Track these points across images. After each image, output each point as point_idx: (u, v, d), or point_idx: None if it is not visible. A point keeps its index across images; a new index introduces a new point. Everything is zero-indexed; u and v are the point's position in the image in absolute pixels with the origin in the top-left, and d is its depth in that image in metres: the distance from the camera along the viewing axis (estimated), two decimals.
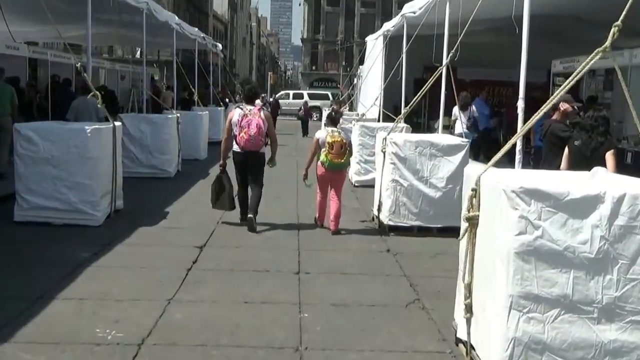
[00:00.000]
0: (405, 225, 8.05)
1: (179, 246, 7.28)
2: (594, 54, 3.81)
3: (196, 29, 21.74)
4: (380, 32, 18.38)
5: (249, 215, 8.18)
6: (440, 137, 8.37)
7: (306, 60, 76.27)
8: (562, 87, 3.85)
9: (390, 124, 12.46)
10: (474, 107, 14.22)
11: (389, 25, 16.63)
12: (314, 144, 8.27)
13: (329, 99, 39.48)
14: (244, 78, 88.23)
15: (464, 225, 4.03)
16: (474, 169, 4.17)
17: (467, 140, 8.34)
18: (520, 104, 6.63)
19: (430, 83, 8.17)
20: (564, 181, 3.70)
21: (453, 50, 8.36)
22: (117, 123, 8.93)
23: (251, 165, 8.27)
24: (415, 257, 7.17)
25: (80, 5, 9.45)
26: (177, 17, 16.55)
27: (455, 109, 13.20)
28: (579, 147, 6.24)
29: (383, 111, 13.88)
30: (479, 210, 3.87)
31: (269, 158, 8.50)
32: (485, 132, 16.72)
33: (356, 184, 12.28)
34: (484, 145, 16.28)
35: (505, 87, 22.86)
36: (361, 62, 28.16)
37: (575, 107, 7.39)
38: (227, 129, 8.25)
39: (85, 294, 5.43)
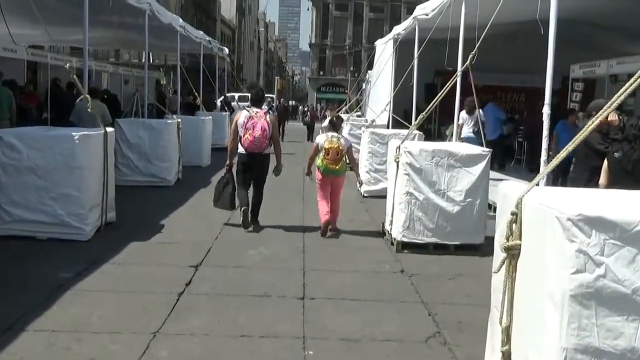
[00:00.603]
0: (420, 242, 7.37)
1: (172, 265, 6.61)
2: None
3: (201, 32, 21.21)
4: (390, 35, 17.83)
5: (244, 208, 8.36)
6: (458, 146, 7.69)
7: (314, 65, 75.72)
8: (623, 90, 3.13)
9: (401, 131, 11.86)
10: (481, 112, 13.87)
11: (399, 29, 16.05)
12: (314, 148, 8.46)
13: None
14: (251, 83, 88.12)
15: (500, 255, 3.35)
16: (512, 187, 3.49)
17: (488, 150, 7.64)
18: (546, 110, 6.06)
19: (447, 89, 7.48)
20: (630, 206, 3.01)
21: (472, 54, 7.67)
22: (110, 129, 8.28)
23: (255, 167, 8.37)
24: (432, 279, 6.47)
25: (81, 8, 8.82)
26: (181, 20, 15.98)
27: (463, 114, 13.00)
28: (619, 159, 5.53)
29: (393, 116, 13.17)
30: (520, 239, 3.19)
31: (274, 167, 8.51)
32: (500, 139, 16.08)
33: (365, 194, 11.61)
34: (499, 152, 15.61)
35: (518, 93, 22.20)
36: (370, 66, 27.62)
37: (622, 119, 6.66)
38: (234, 130, 8.34)
39: (60, 325, 4.78)
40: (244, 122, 8.09)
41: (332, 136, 8.26)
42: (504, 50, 15.62)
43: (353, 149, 8.86)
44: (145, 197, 10.63)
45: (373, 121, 13.18)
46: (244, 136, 8.09)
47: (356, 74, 65.73)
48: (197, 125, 15.67)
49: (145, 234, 7.85)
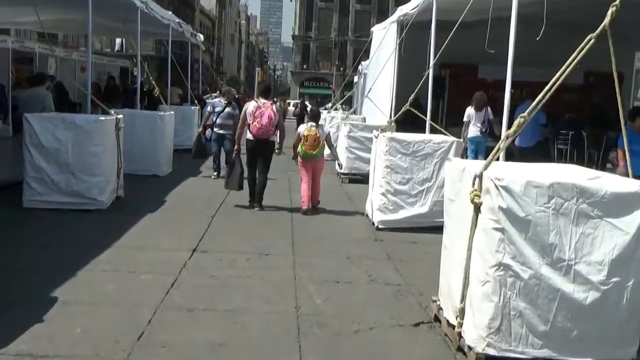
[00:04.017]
0: (519, 358, 3.93)
1: None
2: None
3: (170, 12, 17.71)
4: (393, 17, 14.56)
5: (250, 199, 9.39)
6: (601, 179, 4.15)
7: (297, 58, 71.99)
8: None
9: (436, 137, 8.48)
10: (489, 110, 12.13)
11: (407, 9, 12.76)
12: (296, 137, 9.38)
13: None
14: (231, 76, 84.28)
15: None
16: None
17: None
18: None
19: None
20: None
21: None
22: None
23: (261, 151, 9.18)
24: None
25: None
26: None
27: (469, 110, 11.96)
28: None
29: (410, 109, 9.54)
30: None
31: (276, 148, 9.42)
32: (538, 146, 12.80)
33: (380, 226, 8.20)
34: (536, 161, 12.28)
35: (534, 89, 19.02)
36: (364, 57, 24.37)
37: None
38: (243, 118, 9.15)
39: None
40: (252, 111, 8.92)
41: (311, 125, 9.34)
42: (517, 40, 12.58)
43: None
44: (58, 231, 7.15)
45: (391, 122, 9.70)
46: (252, 123, 8.88)
47: (341, 69, 62.46)
48: (153, 123, 12.15)
49: (23, 316, 4.37)
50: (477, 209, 4.02)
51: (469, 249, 4.11)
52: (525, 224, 3.82)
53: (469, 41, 8.82)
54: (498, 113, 17.18)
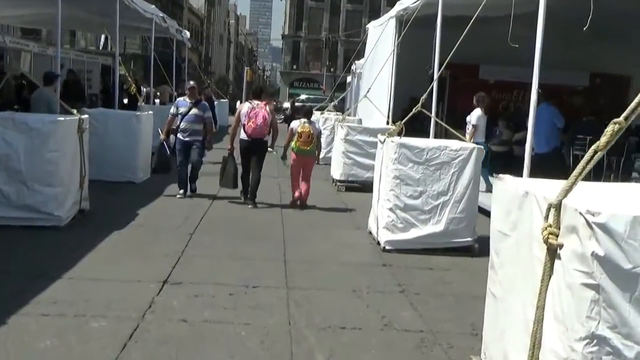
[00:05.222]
0: None
1: None
2: None
3: (153, 6, 16.50)
4: (391, 13, 13.61)
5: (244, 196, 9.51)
6: None
7: (286, 58, 70.70)
8: None
9: (453, 143, 7.30)
10: (479, 113, 11.03)
11: (407, 2, 11.77)
12: (289, 132, 9.65)
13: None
14: (219, 76, 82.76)
15: None
16: None
17: None
18: None
19: None
20: None
21: None
22: None
23: (255, 150, 9.27)
24: None
25: None
26: None
27: (478, 111, 11.01)
28: None
29: (422, 111, 8.25)
30: None
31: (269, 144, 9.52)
32: (556, 152, 11.65)
33: (388, 247, 6.99)
34: (555, 171, 11.14)
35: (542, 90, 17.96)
36: (358, 56, 23.25)
37: None
38: (237, 119, 9.49)
39: None
40: (247, 112, 9.10)
41: (304, 122, 9.52)
42: (520, 39, 11.61)
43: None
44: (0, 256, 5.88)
45: (401, 129, 8.37)
46: (247, 124, 9.03)
47: (332, 69, 61.17)
48: (128, 123, 10.88)
49: None
50: (554, 252, 2.82)
51: (539, 309, 2.90)
52: (632, 280, 2.61)
53: (470, 40, 7.74)
54: (500, 116, 16.19)
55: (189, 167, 9.82)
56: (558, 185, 3.30)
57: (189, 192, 9.79)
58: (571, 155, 12.43)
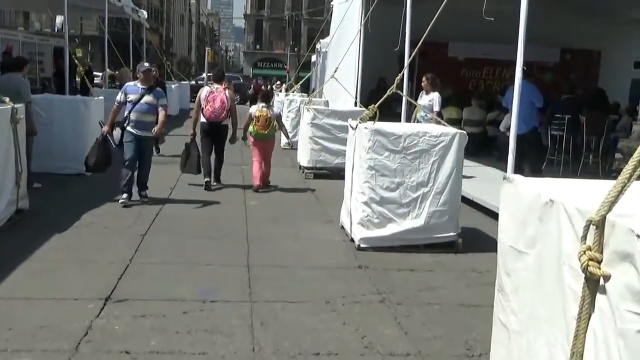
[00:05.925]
0: None
1: None
2: None
3: None
4: None
5: (206, 179, 9.30)
6: None
7: (249, 38, 69.27)
8: None
9: (433, 128, 6.61)
10: (435, 95, 10.32)
11: None
12: (247, 117, 9.68)
13: None
14: (181, 57, 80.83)
15: None
16: None
17: None
18: None
19: None
20: None
21: None
22: None
23: (214, 134, 9.39)
24: None
25: None
26: None
27: (438, 98, 10.23)
28: None
29: (397, 92, 7.49)
30: None
31: (230, 137, 9.50)
32: (535, 133, 11.04)
33: (363, 245, 6.29)
34: (533, 152, 10.58)
35: (510, 68, 17.43)
36: (322, 35, 22.46)
37: None
38: (197, 103, 9.44)
39: None
40: (205, 96, 9.20)
41: (262, 106, 9.63)
42: (489, 15, 11.03)
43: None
44: None
45: (374, 109, 7.61)
46: (205, 107, 9.15)
47: (296, 49, 60.00)
48: (75, 110, 9.98)
49: None
50: (595, 284, 2.14)
51: (575, 355, 2.22)
52: None
53: (439, 15, 7.08)
54: (472, 95, 15.59)
55: (138, 168, 8.20)
56: (588, 188, 2.62)
57: (138, 198, 8.14)
58: (549, 135, 11.90)
